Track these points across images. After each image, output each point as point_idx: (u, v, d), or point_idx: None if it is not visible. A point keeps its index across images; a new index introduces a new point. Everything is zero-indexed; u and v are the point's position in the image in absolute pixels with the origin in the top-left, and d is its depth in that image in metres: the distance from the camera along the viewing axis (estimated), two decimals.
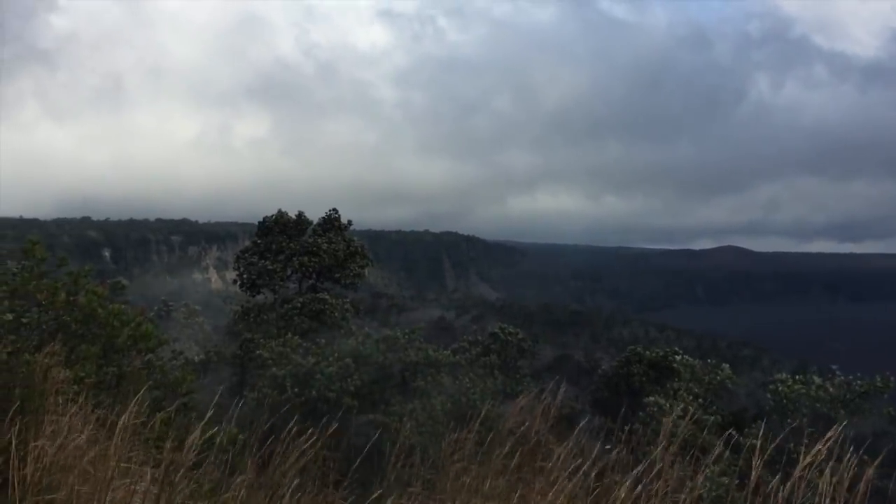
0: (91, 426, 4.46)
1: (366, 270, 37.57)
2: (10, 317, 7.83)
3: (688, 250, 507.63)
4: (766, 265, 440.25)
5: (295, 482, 4.28)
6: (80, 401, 4.79)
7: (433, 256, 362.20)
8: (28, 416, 4.34)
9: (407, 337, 23.57)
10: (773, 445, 3.93)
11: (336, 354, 23.26)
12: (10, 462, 3.97)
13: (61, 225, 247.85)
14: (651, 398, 24.87)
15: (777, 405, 24.97)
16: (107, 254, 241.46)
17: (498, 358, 34.15)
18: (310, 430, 4.47)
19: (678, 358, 30.09)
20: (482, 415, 4.82)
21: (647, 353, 32.48)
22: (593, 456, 4.10)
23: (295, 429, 4.38)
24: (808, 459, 3.53)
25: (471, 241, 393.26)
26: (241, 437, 5.16)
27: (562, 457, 4.14)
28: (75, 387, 5.32)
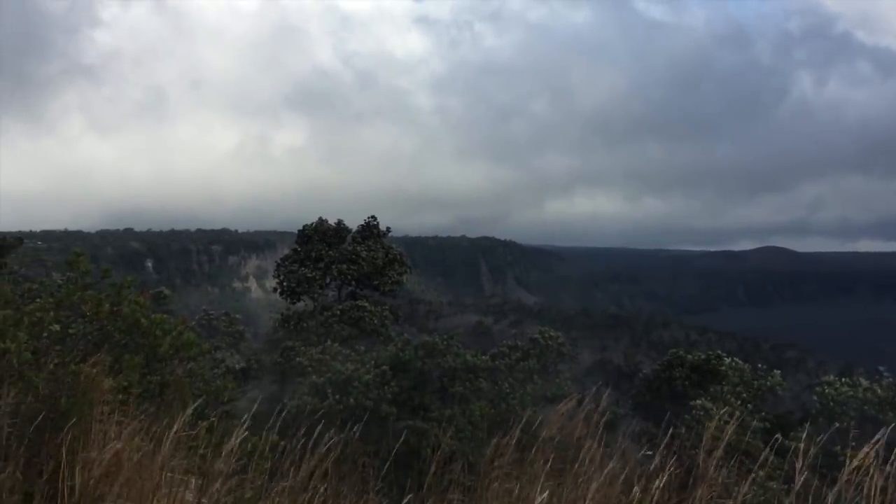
0: (136, 435, 4.53)
1: (404, 277, 37.71)
2: (56, 328, 7.97)
3: (728, 252, 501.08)
4: (809, 265, 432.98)
5: (334, 489, 4.30)
6: (126, 410, 4.86)
7: (470, 262, 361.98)
8: (76, 426, 4.41)
9: (445, 343, 23.57)
10: (818, 449, 3.86)
11: (374, 361, 23.33)
12: (61, 472, 4.04)
13: (105, 236, 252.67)
14: (698, 402, 24.59)
15: (824, 408, 24.52)
16: (149, 264, 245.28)
17: (537, 362, 34.00)
18: (348, 437, 4.49)
19: (727, 361, 29.71)
20: (523, 420, 4.79)
21: (690, 356, 32.14)
22: (637, 462, 4.06)
23: (334, 435, 4.41)
24: (856, 463, 3.47)
25: (507, 246, 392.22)
26: (281, 443, 5.20)
27: (604, 462, 4.10)
28: (120, 396, 5.41)
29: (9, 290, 9.86)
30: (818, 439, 4.02)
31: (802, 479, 3.57)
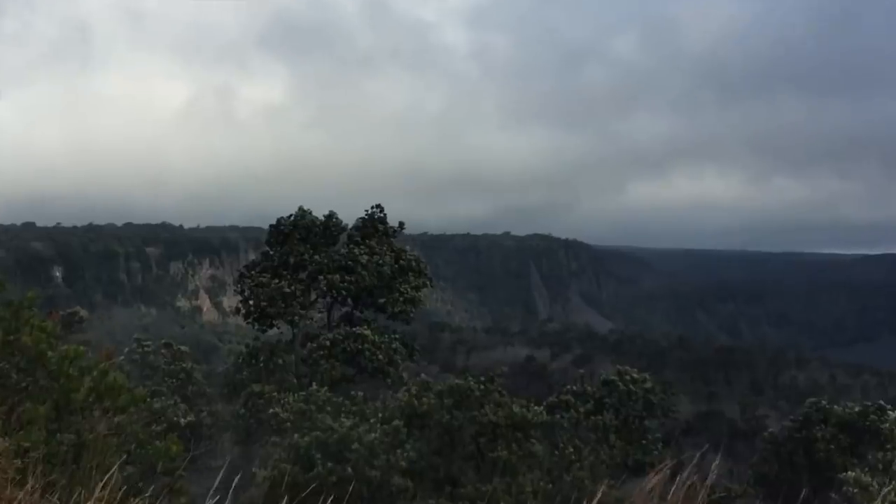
0: None
1: (422, 293, 37.74)
2: None
3: (894, 255, 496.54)
4: None
5: None
6: (28, 482, 4.91)
7: (517, 270, 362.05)
8: None
9: (482, 387, 23.58)
10: None
11: (381, 414, 23.38)
12: None
13: None
14: (851, 474, 24.39)
15: None
16: (58, 273, 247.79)
17: (615, 417, 33.89)
18: None
19: (892, 415, 29.39)
20: (596, 499, 4.78)
21: (837, 408, 31.87)
22: None
23: None
24: None
25: (571, 248, 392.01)
26: None
27: None
28: (18, 461, 5.45)
29: None
30: None
31: None
